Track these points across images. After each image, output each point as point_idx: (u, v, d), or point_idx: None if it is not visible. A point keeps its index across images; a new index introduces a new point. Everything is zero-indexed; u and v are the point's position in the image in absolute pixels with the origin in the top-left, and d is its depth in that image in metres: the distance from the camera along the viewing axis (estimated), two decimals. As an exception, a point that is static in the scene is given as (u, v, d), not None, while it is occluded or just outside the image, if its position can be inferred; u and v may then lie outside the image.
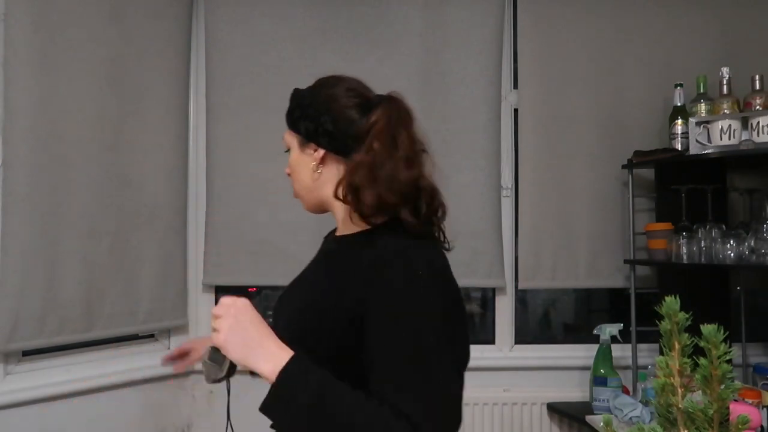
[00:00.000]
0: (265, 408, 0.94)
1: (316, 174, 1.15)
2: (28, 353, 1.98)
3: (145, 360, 2.27)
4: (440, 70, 2.44)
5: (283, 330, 1.03)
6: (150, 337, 2.35)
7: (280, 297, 1.26)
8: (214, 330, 0.98)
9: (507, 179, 2.51)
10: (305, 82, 2.25)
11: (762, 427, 1.75)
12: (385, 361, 0.94)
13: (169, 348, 2.38)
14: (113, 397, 2.13)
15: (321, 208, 1.21)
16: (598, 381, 2.22)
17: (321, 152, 1.13)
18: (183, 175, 2.38)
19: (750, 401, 1.80)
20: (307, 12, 2.44)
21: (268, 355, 0.94)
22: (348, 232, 1.14)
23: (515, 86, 2.54)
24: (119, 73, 2.14)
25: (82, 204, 2.02)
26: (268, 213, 2.38)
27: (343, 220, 1.15)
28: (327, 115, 1.12)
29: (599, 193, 2.45)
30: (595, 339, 2.30)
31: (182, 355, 1.44)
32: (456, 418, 0.97)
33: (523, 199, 2.46)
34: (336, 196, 1.08)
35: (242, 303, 0.99)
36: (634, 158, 2.29)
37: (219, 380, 1.03)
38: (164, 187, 2.28)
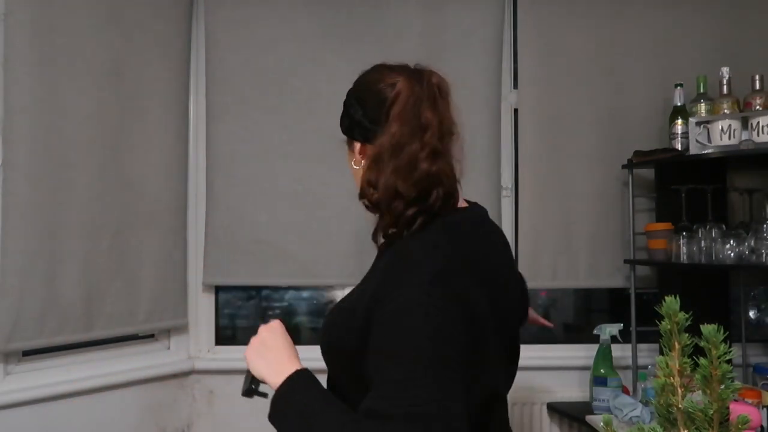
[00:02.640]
0: (269, 417, 0.97)
1: (358, 170, 1.07)
2: (28, 353, 1.98)
3: (145, 360, 2.27)
4: (440, 70, 2.44)
5: (322, 332, 1.07)
6: (150, 337, 2.34)
7: None
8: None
9: (507, 179, 2.51)
10: (305, 82, 2.30)
11: (762, 427, 1.75)
12: (376, 364, 0.90)
13: (169, 348, 2.38)
14: (113, 397, 2.13)
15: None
16: (598, 381, 2.22)
17: (358, 146, 1.07)
18: (183, 175, 2.38)
19: (750, 401, 1.80)
20: (307, 12, 2.44)
21: (280, 370, 0.98)
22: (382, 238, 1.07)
23: (515, 86, 2.54)
24: (119, 73, 2.14)
25: (82, 204, 2.01)
26: (268, 213, 2.38)
27: (377, 222, 1.07)
28: (357, 104, 1.07)
29: (599, 193, 2.45)
30: (595, 339, 2.29)
31: None
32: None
33: (523, 199, 2.46)
34: (359, 196, 1.03)
35: (274, 324, 1.05)
36: (634, 158, 2.29)
37: (244, 394, 1.09)
38: (164, 187, 2.28)
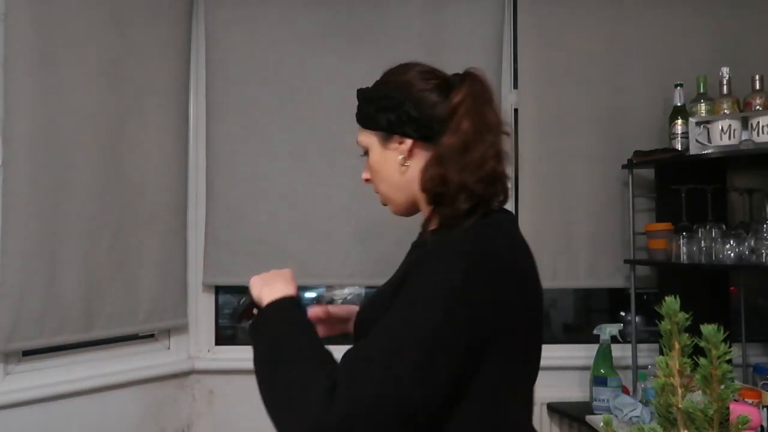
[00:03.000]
0: (249, 329, 1.05)
1: (404, 168, 1.07)
2: (28, 353, 1.98)
3: (145, 360, 2.27)
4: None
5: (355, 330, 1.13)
6: (150, 337, 2.35)
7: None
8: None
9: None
10: (305, 82, 2.31)
11: (762, 427, 1.75)
12: (373, 332, 0.91)
13: (169, 348, 2.38)
14: (113, 397, 2.13)
15: (414, 208, 1.12)
16: (598, 381, 2.22)
17: (408, 142, 1.06)
18: (183, 175, 2.38)
19: (750, 401, 1.80)
20: (307, 12, 2.44)
21: (274, 292, 1.05)
22: (430, 229, 1.06)
23: (515, 86, 2.54)
24: (119, 73, 2.14)
25: (82, 204, 2.01)
26: (268, 213, 2.38)
27: (427, 216, 1.07)
28: (408, 101, 1.05)
29: (599, 193, 2.45)
30: (595, 339, 2.30)
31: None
32: (388, 414, 0.84)
33: (523, 199, 2.46)
34: (423, 189, 1.03)
35: (285, 270, 1.12)
36: (634, 158, 2.29)
37: (236, 316, 1.16)
38: (164, 187, 2.28)
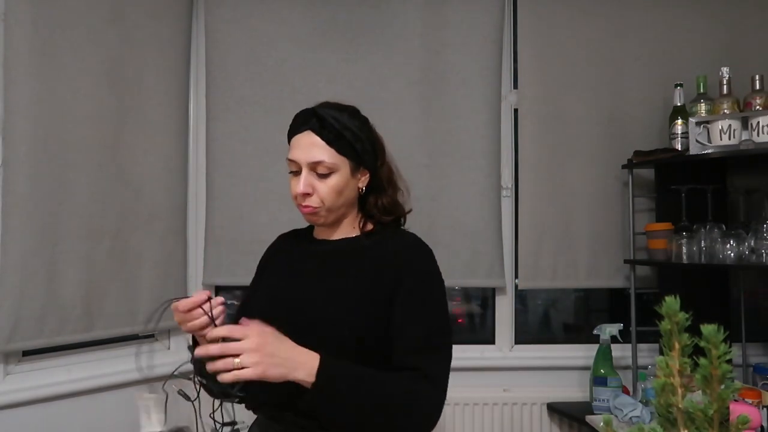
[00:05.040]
0: (311, 405, 1.09)
1: (356, 194, 1.29)
2: (28, 353, 1.98)
3: (145, 360, 2.27)
4: (440, 70, 2.44)
5: (325, 324, 1.18)
6: (150, 337, 2.35)
7: (282, 300, 1.28)
8: (243, 367, 1.03)
9: (507, 179, 2.51)
10: (305, 82, 2.31)
11: (762, 427, 1.75)
12: (416, 331, 1.17)
13: (169, 348, 2.38)
14: (113, 397, 2.13)
15: (338, 221, 1.32)
16: (598, 381, 2.22)
17: (368, 177, 1.29)
18: (183, 175, 2.38)
19: (750, 401, 1.80)
20: (307, 12, 2.44)
21: (299, 363, 1.07)
22: (353, 234, 1.31)
23: (515, 86, 2.54)
24: (119, 72, 2.14)
25: (82, 204, 2.01)
26: (268, 213, 2.38)
27: (347, 224, 1.32)
28: (370, 141, 1.28)
29: (599, 193, 2.45)
30: (595, 339, 2.30)
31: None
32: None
33: (523, 199, 2.46)
34: (376, 206, 1.30)
35: (258, 331, 1.06)
36: (634, 158, 2.29)
37: (220, 395, 1.15)
38: (164, 187, 2.28)
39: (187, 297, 1.14)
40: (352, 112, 1.29)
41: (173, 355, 2.37)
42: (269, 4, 2.43)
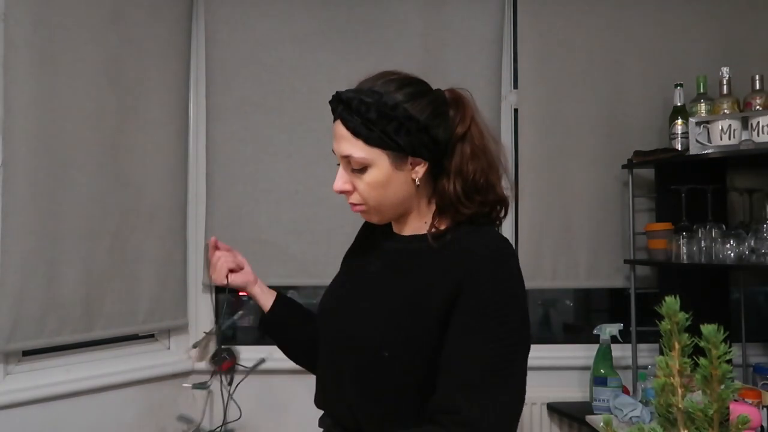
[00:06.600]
0: None
1: (415, 186, 1.07)
2: (28, 353, 1.98)
3: (145, 360, 2.27)
4: (440, 70, 2.44)
5: (367, 331, 1.04)
6: (150, 337, 2.35)
7: (336, 299, 1.18)
8: None
9: (507, 179, 2.50)
10: (305, 82, 2.29)
11: (762, 427, 1.75)
12: (464, 364, 0.96)
13: (169, 348, 2.38)
14: (113, 397, 2.13)
15: (395, 218, 1.14)
16: (598, 381, 2.22)
17: (424, 165, 1.06)
18: (183, 175, 2.38)
19: (750, 401, 1.80)
20: (307, 12, 2.44)
21: None
22: (422, 231, 1.10)
23: (515, 86, 2.54)
24: (119, 73, 2.13)
25: (82, 204, 2.01)
26: (268, 213, 2.38)
27: (415, 219, 1.12)
28: (432, 126, 1.05)
29: (599, 193, 2.45)
30: (595, 339, 2.30)
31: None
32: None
33: (523, 199, 2.46)
34: (454, 206, 1.06)
35: None
36: (634, 158, 2.29)
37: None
38: (164, 187, 2.28)
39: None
40: (400, 84, 1.05)
41: (173, 355, 2.37)
42: (269, 4, 2.43)
